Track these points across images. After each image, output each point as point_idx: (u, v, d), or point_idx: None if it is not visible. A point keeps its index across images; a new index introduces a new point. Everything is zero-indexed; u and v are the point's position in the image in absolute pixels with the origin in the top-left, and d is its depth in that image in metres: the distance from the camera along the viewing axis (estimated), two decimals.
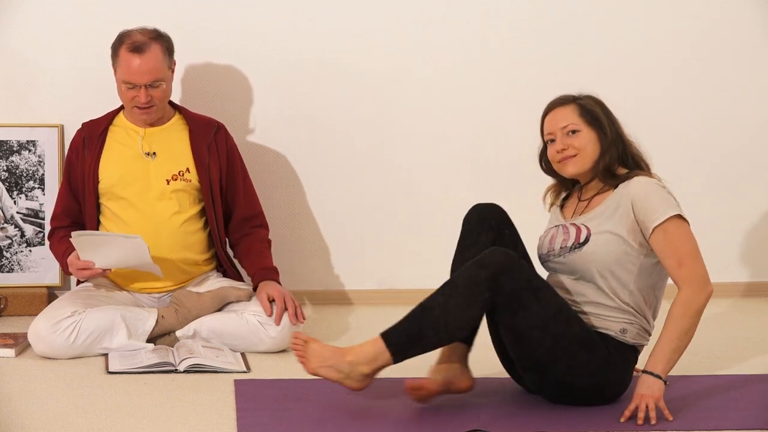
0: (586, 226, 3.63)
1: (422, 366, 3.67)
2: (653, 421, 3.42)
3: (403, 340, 3.47)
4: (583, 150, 3.64)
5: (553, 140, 3.68)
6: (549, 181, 3.84)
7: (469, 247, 3.70)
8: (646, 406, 3.44)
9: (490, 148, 5.18)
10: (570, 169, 3.67)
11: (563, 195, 3.81)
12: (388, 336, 3.48)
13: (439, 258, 4.07)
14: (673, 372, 3.60)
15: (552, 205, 3.82)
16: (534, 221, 3.95)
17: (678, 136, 5.24)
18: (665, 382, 3.48)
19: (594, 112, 3.65)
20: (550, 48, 5.16)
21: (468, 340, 3.66)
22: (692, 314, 3.49)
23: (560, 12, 5.16)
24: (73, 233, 4.21)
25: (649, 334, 3.65)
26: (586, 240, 3.61)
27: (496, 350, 3.75)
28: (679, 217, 3.54)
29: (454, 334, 3.48)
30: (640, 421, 3.43)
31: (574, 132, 3.64)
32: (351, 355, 3.49)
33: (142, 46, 4.31)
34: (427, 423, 3.54)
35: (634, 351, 3.62)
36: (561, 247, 3.67)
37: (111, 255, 4.20)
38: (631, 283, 3.59)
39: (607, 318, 3.59)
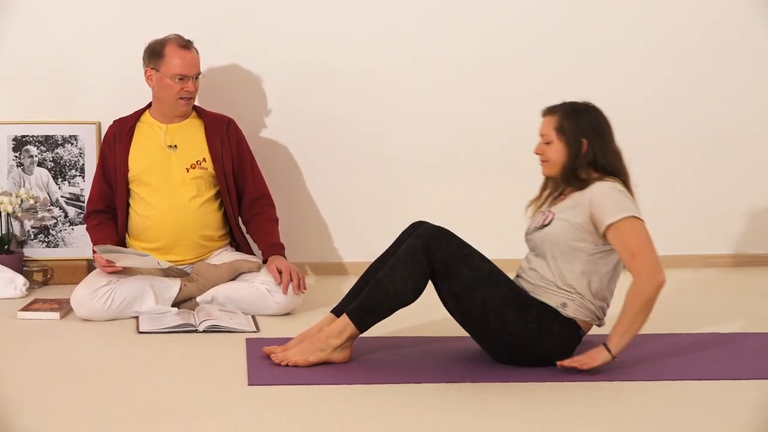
0: (552, 212, 3.84)
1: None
2: (584, 368, 3.67)
3: (362, 312, 3.74)
4: (551, 159, 3.84)
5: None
6: (539, 180, 3.93)
7: (388, 254, 3.93)
8: (580, 364, 3.70)
9: (487, 146, 5.20)
10: (544, 171, 3.89)
11: (546, 193, 3.94)
12: (350, 311, 3.76)
13: None
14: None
15: (532, 205, 3.96)
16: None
17: (678, 135, 5.27)
18: (614, 357, 3.68)
19: (565, 127, 3.80)
20: (550, 48, 5.18)
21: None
22: (642, 301, 3.66)
23: (560, 12, 5.17)
24: (96, 248, 4.42)
25: (597, 316, 3.81)
26: (549, 223, 3.81)
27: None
28: (633, 218, 3.70)
29: (402, 298, 3.72)
30: (565, 366, 3.69)
31: (548, 143, 3.84)
32: (323, 333, 3.79)
33: (188, 44, 4.53)
34: (419, 370, 3.75)
35: (575, 325, 3.78)
36: (534, 228, 3.88)
37: (127, 261, 4.43)
38: (577, 269, 3.76)
39: (550, 291, 3.78)
